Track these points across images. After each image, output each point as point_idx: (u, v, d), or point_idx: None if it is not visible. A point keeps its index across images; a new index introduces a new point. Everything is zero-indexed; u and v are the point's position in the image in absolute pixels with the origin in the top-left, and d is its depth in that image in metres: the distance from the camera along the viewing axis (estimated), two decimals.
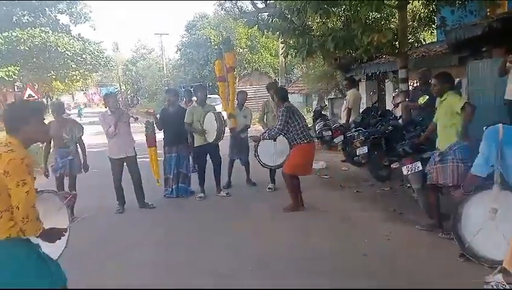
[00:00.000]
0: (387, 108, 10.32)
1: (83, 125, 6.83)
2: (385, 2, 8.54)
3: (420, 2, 9.21)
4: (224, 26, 29.51)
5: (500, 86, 6.87)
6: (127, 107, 30.42)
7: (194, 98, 7.88)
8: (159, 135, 7.40)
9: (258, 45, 30.16)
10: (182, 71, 34.16)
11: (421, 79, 7.37)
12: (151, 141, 7.22)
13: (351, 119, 9.32)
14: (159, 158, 7.42)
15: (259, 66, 30.55)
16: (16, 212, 2.47)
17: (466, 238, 4.07)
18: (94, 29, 31.30)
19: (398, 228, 5.20)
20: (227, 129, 7.45)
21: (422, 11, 9.20)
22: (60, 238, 2.82)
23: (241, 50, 28.67)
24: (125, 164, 6.75)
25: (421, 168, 5.10)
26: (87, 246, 5.09)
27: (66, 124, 6.51)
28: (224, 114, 7.62)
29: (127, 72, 43.95)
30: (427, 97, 6.45)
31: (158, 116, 7.50)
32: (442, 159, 4.62)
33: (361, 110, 9.73)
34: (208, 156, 7.26)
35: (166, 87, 30.37)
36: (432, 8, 8.64)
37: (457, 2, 8.47)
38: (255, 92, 27.36)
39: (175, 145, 7.31)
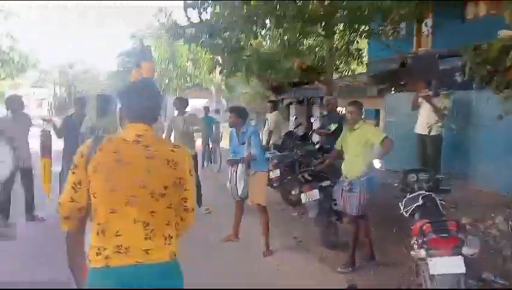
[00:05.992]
0: (310, 132, 10.40)
1: None
2: (311, 29, 8.66)
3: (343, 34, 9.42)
4: (165, 39, 29.03)
5: (413, 118, 7.11)
6: (59, 112, 28.95)
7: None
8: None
9: (201, 60, 29.87)
10: (121, 79, 33.24)
11: (328, 106, 7.47)
12: (45, 151, 6.36)
13: (271, 142, 9.26)
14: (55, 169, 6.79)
15: (200, 80, 30.27)
16: (190, 216, 2.09)
17: None
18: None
19: (292, 256, 5.07)
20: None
21: (342, 42, 9.41)
22: None
23: (182, 63, 28.38)
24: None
25: (318, 197, 5.02)
26: None
27: None
28: None
29: (63, 75, 42.13)
30: (337, 124, 6.50)
31: (61, 123, 6.96)
32: (351, 189, 4.54)
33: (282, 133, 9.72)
34: None
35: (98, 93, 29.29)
36: (352, 40, 8.87)
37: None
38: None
39: None
